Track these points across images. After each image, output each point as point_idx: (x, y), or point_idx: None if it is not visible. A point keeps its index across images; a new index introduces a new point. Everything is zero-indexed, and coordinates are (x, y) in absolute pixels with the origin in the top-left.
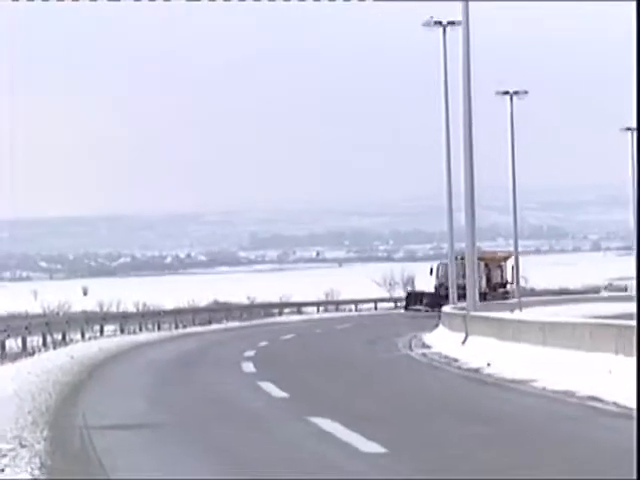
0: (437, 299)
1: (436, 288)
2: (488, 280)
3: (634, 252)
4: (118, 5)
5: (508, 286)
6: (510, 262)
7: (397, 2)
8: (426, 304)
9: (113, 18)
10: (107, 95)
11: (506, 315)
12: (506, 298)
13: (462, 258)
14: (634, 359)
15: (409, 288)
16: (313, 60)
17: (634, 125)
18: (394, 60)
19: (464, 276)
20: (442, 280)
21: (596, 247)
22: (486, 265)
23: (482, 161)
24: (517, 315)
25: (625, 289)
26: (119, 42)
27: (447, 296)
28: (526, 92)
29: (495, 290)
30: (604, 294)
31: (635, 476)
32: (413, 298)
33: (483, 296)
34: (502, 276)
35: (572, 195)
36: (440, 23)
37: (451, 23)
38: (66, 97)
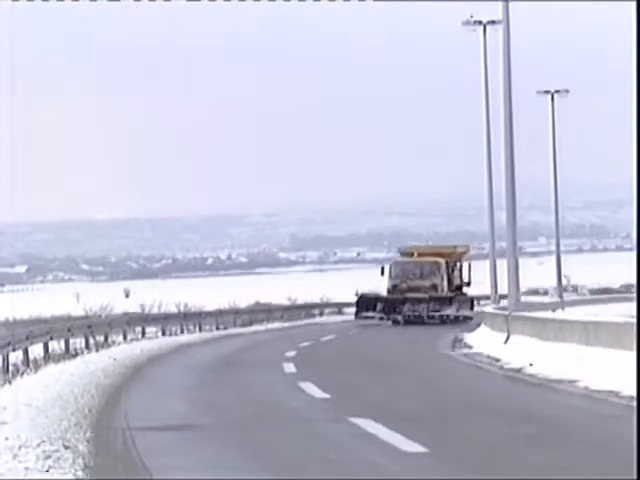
0: (393, 304)
1: (389, 291)
2: (449, 281)
3: (634, 251)
4: (118, 5)
5: (465, 288)
6: (468, 258)
7: (436, 2)
8: (380, 310)
9: (113, 18)
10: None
11: (548, 315)
12: (471, 306)
13: (411, 254)
14: None
15: (359, 291)
16: (350, 60)
17: None
18: (434, 59)
19: (422, 276)
20: (396, 281)
21: None
22: (447, 263)
23: (523, 160)
24: (559, 314)
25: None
26: (119, 42)
27: (405, 301)
28: (567, 91)
29: (456, 292)
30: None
31: (635, 476)
32: (365, 303)
33: (448, 301)
34: (461, 276)
35: (618, 193)
36: (480, 22)
37: (491, 22)
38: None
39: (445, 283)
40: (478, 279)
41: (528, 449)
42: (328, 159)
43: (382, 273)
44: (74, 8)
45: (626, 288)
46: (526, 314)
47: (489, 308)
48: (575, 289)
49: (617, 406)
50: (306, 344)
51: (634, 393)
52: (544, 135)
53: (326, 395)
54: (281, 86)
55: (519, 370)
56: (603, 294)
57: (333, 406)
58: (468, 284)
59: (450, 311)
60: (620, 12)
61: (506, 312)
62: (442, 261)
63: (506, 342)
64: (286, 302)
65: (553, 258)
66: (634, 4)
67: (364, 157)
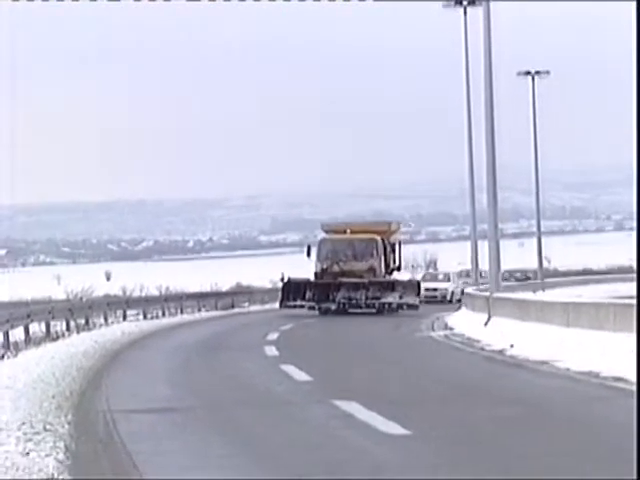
0: (326, 291)
1: (318, 275)
2: (386, 264)
3: (634, 242)
4: (118, 5)
5: (395, 273)
6: (399, 239)
7: None
8: (310, 298)
9: (113, 18)
10: (116, 84)
11: (529, 296)
12: (417, 292)
13: (343, 231)
14: None
15: (285, 275)
16: (332, 47)
17: None
18: (415, 41)
19: (356, 257)
20: (326, 264)
21: (619, 227)
22: (383, 242)
23: (505, 142)
24: (540, 296)
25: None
26: (119, 42)
27: (340, 286)
28: (548, 72)
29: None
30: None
31: (635, 476)
32: (292, 290)
33: (391, 286)
34: (394, 259)
35: (600, 175)
36: (460, 3)
37: (471, 3)
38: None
39: (383, 265)
40: (459, 260)
41: (512, 431)
42: (311, 142)
43: (308, 254)
44: (74, 8)
45: (614, 270)
46: (507, 295)
47: (470, 289)
48: (556, 271)
49: (598, 387)
50: (288, 327)
51: (614, 374)
52: (525, 117)
53: (309, 378)
54: (266, 72)
55: (500, 352)
56: (585, 275)
57: (316, 388)
58: (399, 268)
59: (392, 298)
60: None
61: (487, 294)
62: (379, 239)
63: (487, 324)
64: (267, 285)
65: (534, 240)
66: (634, 4)
67: (347, 140)
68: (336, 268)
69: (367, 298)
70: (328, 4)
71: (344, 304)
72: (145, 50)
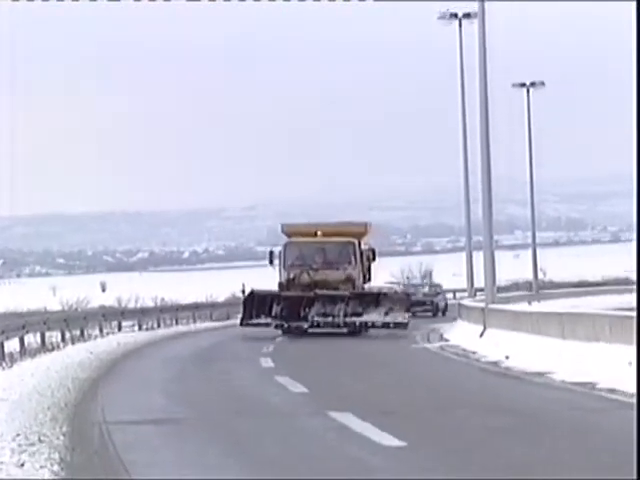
0: (297, 306)
1: (284, 286)
2: (364, 273)
3: (634, 247)
4: (118, 5)
5: (366, 285)
6: (371, 239)
7: None
8: (278, 314)
9: (113, 18)
10: (114, 93)
11: (524, 308)
12: (407, 308)
13: (313, 233)
14: None
15: (245, 287)
16: (325, 55)
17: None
18: (412, 54)
19: (331, 264)
20: (294, 272)
21: (616, 239)
22: (359, 246)
23: (500, 154)
24: (535, 307)
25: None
26: (119, 41)
27: (314, 300)
28: (543, 83)
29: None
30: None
31: (635, 476)
32: (256, 305)
33: (375, 300)
34: (369, 267)
35: (596, 187)
36: (456, 16)
37: (467, 15)
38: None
39: (361, 274)
40: (454, 271)
41: (507, 442)
42: (308, 153)
43: (271, 261)
44: (74, 8)
45: (610, 281)
46: (502, 307)
47: (466, 301)
48: (552, 282)
49: (594, 398)
50: (282, 338)
51: (610, 385)
52: (521, 128)
53: (304, 389)
54: (259, 79)
55: (495, 363)
56: (580, 287)
57: (311, 400)
58: (369, 279)
59: (377, 315)
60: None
61: (482, 305)
62: (357, 242)
63: (482, 335)
64: None
65: (529, 251)
66: (634, 4)
67: (345, 152)
68: (306, 278)
69: (346, 315)
70: (328, 4)
71: (318, 322)
72: (145, 50)
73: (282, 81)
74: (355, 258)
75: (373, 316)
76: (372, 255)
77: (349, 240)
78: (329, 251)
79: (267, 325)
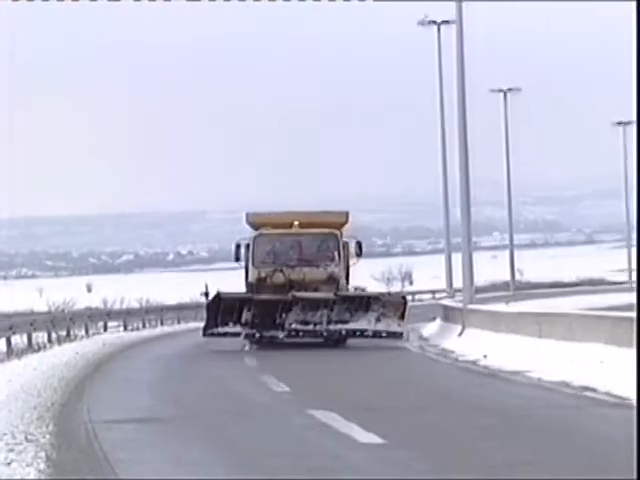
0: (270, 311)
1: (252, 286)
2: (347, 271)
3: (634, 248)
4: (118, 5)
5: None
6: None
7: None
8: (248, 322)
9: (113, 18)
10: (108, 94)
11: (502, 308)
12: (402, 313)
13: (289, 224)
14: (626, 350)
15: (208, 288)
16: (308, 60)
17: (629, 119)
18: (390, 57)
19: (310, 260)
20: (265, 271)
21: (590, 240)
22: (340, 237)
23: (478, 158)
24: (513, 308)
25: None
26: (119, 41)
27: (292, 304)
28: (519, 89)
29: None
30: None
31: (635, 476)
32: (222, 311)
33: (364, 304)
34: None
35: (571, 190)
36: (434, 22)
37: (445, 22)
38: (65, 96)
39: (344, 272)
40: (434, 273)
41: (486, 439)
42: (290, 157)
43: (237, 258)
44: (74, 8)
45: (585, 282)
46: (480, 307)
47: (445, 301)
48: (529, 283)
49: (570, 396)
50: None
51: (584, 383)
52: (498, 132)
53: (287, 388)
54: (243, 82)
55: (474, 362)
56: (556, 288)
57: (294, 399)
58: (347, 278)
59: (366, 323)
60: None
61: (461, 305)
62: (339, 234)
63: (461, 334)
64: None
65: (507, 252)
66: (634, 4)
67: (325, 154)
68: (280, 278)
69: (330, 322)
70: (329, 4)
71: (297, 331)
72: (144, 52)
73: (276, 83)
74: (339, 253)
75: (362, 323)
76: (359, 249)
77: (331, 231)
78: (307, 245)
79: (236, 335)
